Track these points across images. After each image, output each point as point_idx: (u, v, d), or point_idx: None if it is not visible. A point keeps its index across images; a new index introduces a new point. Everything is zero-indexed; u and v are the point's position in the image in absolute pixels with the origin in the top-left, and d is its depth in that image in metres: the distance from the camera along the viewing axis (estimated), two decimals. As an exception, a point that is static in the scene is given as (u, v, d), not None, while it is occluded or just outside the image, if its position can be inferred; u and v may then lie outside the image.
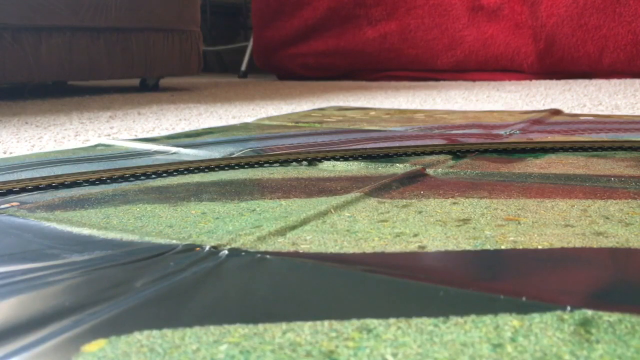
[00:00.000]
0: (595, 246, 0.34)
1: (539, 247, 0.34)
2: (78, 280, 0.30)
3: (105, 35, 1.57)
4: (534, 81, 1.88)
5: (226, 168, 0.58)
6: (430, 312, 0.26)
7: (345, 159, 0.60)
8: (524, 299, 0.27)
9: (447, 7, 2.04)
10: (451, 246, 0.34)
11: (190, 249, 0.35)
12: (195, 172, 0.56)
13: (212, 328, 0.25)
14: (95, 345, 0.24)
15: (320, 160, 0.60)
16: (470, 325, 0.24)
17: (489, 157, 0.61)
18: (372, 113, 1.08)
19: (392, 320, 0.25)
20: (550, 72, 1.92)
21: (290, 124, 0.94)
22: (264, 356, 0.23)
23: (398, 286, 0.29)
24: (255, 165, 0.59)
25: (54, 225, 0.40)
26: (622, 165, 0.55)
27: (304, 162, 0.60)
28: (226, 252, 0.34)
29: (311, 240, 0.36)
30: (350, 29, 2.19)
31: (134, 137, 0.84)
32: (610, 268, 0.31)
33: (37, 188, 0.51)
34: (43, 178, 0.52)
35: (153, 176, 0.55)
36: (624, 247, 0.33)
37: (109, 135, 0.87)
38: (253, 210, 0.43)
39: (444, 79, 2.06)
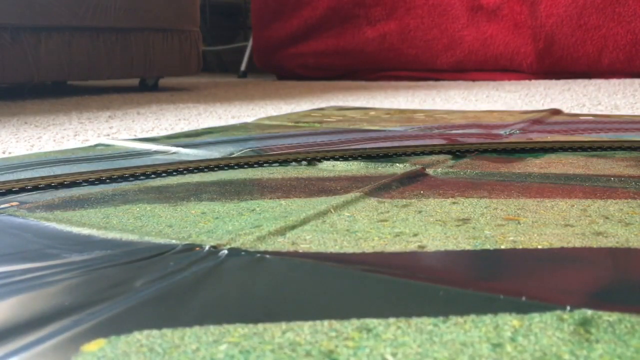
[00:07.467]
0: (595, 246, 0.34)
1: (539, 246, 0.34)
2: (78, 280, 0.30)
3: (105, 35, 1.57)
4: (533, 81, 1.88)
5: (226, 168, 0.58)
6: (430, 311, 0.26)
7: (345, 158, 0.60)
8: (523, 298, 0.27)
9: (447, 7, 2.04)
10: (451, 246, 0.34)
11: (190, 248, 0.35)
12: (195, 172, 0.56)
13: (211, 328, 0.25)
14: (95, 345, 0.24)
15: (320, 160, 0.60)
16: (470, 325, 0.24)
17: (489, 157, 0.61)
18: (372, 113, 1.08)
19: (391, 320, 0.25)
20: (550, 72, 1.92)
21: (290, 124, 0.94)
22: (263, 356, 0.23)
23: (398, 286, 0.29)
24: (255, 165, 0.59)
25: (53, 225, 0.40)
26: (622, 165, 0.55)
27: (304, 162, 0.60)
28: (226, 251, 0.34)
29: (311, 240, 0.36)
30: (350, 29, 2.19)
31: (134, 137, 0.84)
32: (610, 268, 0.31)
33: (36, 188, 0.51)
34: (42, 178, 0.52)
35: (153, 176, 0.55)
36: (623, 247, 0.33)
37: (108, 135, 0.87)
38: (253, 210, 0.43)
39: (444, 79, 2.06)
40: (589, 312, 0.25)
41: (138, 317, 0.26)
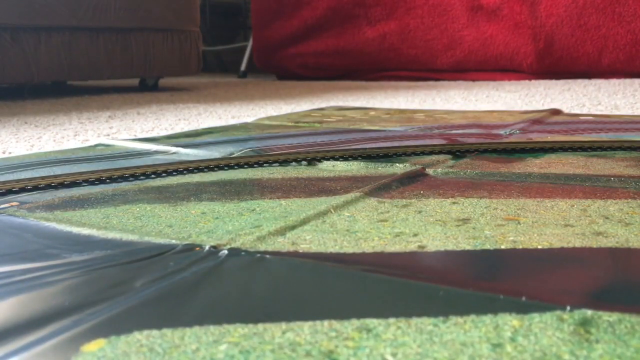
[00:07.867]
0: (595, 246, 0.34)
1: (539, 247, 0.34)
2: (78, 280, 0.30)
3: (105, 35, 1.57)
4: (533, 81, 1.88)
5: (226, 168, 0.58)
6: (430, 311, 0.26)
7: (345, 158, 0.60)
8: (523, 298, 0.27)
9: (447, 7, 2.04)
10: (451, 246, 0.34)
11: (190, 248, 0.35)
12: (195, 172, 0.56)
13: (211, 328, 0.25)
14: (95, 345, 0.24)
15: (320, 160, 0.60)
16: (470, 325, 0.24)
17: (489, 157, 0.61)
18: (372, 113, 1.08)
19: (391, 320, 0.25)
20: (550, 72, 1.92)
21: (290, 124, 0.94)
22: (263, 356, 0.23)
23: (398, 286, 0.29)
24: (255, 165, 0.59)
25: (53, 225, 0.40)
26: (622, 165, 0.55)
27: (304, 162, 0.60)
28: (226, 252, 0.34)
29: (311, 240, 0.36)
30: (350, 29, 2.19)
31: (134, 137, 0.84)
32: (610, 268, 0.31)
33: (36, 188, 0.51)
34: (42, 178, 0.52)
35: (153, 176, 0.55)
36: (623, 247, 0.33)
37: (108, 135, 0.87)
38: (253, 210, 0.43)
39: (444, 79, 2.06)
40: (589, 312, 0.25)
41: (138, 317, 0.26)
